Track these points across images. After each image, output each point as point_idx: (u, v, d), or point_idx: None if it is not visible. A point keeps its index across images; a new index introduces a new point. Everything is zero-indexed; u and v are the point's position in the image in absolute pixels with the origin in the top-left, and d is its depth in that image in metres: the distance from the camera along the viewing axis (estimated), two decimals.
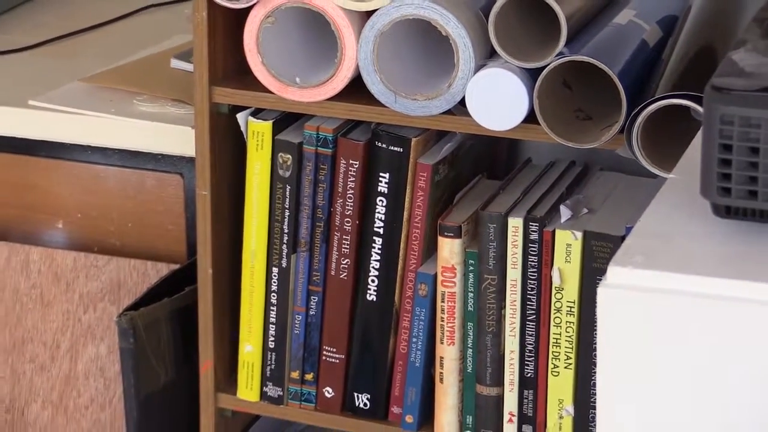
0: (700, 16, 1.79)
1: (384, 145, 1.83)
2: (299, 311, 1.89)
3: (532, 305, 1.80)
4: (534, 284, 1.79)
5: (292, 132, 1.87)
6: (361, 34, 1.76)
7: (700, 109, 1.56)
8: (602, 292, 1.26)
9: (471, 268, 1.82)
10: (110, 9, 2.42)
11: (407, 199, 1.84)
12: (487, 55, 1.75)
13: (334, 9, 1.75)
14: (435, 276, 1.83)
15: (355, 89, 1.79)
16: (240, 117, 1.88)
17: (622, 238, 1.38)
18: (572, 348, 1.79)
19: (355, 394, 1.90)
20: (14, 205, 2.12)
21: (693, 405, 1.26)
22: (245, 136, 1.87)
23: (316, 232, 1.87)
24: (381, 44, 1.75)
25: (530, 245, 1.79)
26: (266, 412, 1.96)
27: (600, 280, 1.26)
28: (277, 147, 1.86)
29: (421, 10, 1.73)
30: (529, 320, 1.80)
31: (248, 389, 1.94)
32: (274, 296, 1.90)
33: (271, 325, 1.91)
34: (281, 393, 1.93)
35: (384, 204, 1.85)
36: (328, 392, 1.91)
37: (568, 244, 1.77)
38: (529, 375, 1.82)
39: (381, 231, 1.85)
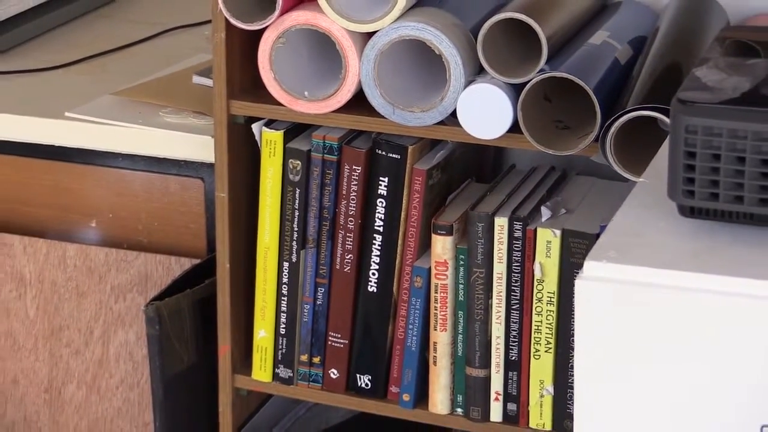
0: (667, 37, 1.79)
1: (383, 153, 1.83)
2: (307, 301, 1.89)
3: (516, 296, 1.80)
4: (518, 277, 1.79)
5: (301, 140, 1.87)
6: (363, 53, 1.76)
7: (667, 120, 1.56)
8: (579, 284, 1.26)
9: (461, 262, 1.82)
10: (138, 31, 2.42)
11: (404, 201, 1.84)
12: (475, 72, 1.75)
13: (339, 30, 1.75)
14: (429, 269, 1.83)
15: (358, 102, 1.79)
16: (255, 127, 1.88)
17: (597, 236, 1.38)
18: (552, 334, 1.79)
19: (358, 375, 1.90)
20: (52, 206, 2.12)
21: (659, 385, 1.26)
22: (259, 145, 1.87)
23: (322, 230, 1.87)
24: (381, 62, 1.75)
25: (514, 242, 1.79)
26: (278, 392, 1.96)
27: (577, 273, 1.26)
28: (287, 154, 1.86)
29: (416, 31, 1.73)
30: (514, 309, 1.80)
31: (262, 371, 1.94)
32: (285, 288, 1.90)
33: (282, 314, 1.91)
34: (291, 374, 1.92)
35: (383, 205, 1.85)
36: (334, 373, 1.91)
37: (548, 241, 1.77)
38: (513, 358, 1.82)
39: (381, 229, 1.85)
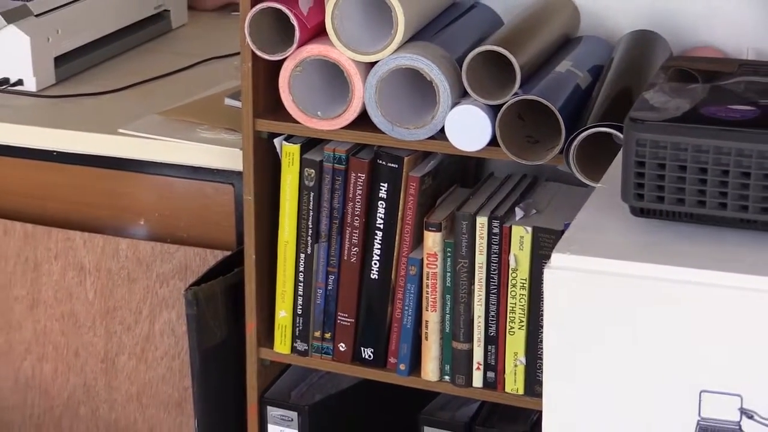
0: (620, 66, 1.78)
1: (384, 163, 1.83)
2: (320, 286, 1.89)
3: (494, 282, 1.79)
4: (496, 266, 1.79)
5: (315, 152, 1.86)
6: (367, 79, 1.76)
7: (620, 135, 1.56)
8: (547, 273, 1.25)
9: (449, 254, 1.81)
10: (179, 61, 2.42)
11: (401, 203, 1.84)
12: (460, 95, 1.74)
13: (347, 60, 1.75)
14: (422, 260, 1.83)
15: (362, 120, 1.79)
16: (276, 141, 1.87)
17: (562, 232, 1.38)
18: (524, 314, 1.78)
19: (362, 348, 1.90)
20: (107, 207, 2.12)
21: (613, 355, 1.25)
22: (280, 156, 1.87)
23: (332, 227, 1.86)
24: (381, 87, 1.75)
25: (493, 237, 1.78)
26: (295, 362, 1.95)
27: (545, 263, 1.26)
28: (303, 164, 1.85)
29: (411, 61, 1.73)
30: (492, 293, 1.80)
31: (282, 345, 1.93)
32: (301, 275, 1.90)
33: (299, 297, 1.90)
34: (307, 347, 1.92)
35: (383, 206, 1.84)
36: (342, 347, 1.90)
37: (521, 237, 1.77)
38: (492, 334, 1.81)
39: (381, 226, 1.85)
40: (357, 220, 1.85)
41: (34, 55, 2.26)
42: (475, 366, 1.83)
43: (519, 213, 1.80)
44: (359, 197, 1.84)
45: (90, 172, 2.12)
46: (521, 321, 1.79)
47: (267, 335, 1.94)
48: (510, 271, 1.78)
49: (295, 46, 1.76)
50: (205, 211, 2.06)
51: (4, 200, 2.17)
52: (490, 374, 1.83)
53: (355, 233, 1.86)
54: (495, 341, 1.81)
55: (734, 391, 1.23)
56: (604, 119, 1.64)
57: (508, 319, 1.79)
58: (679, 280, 1.23)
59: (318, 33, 1.78)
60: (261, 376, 1.96)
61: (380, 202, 1.84)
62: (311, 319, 1.91)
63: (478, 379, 1.84)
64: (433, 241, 1.81)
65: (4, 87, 2.26)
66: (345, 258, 1.87)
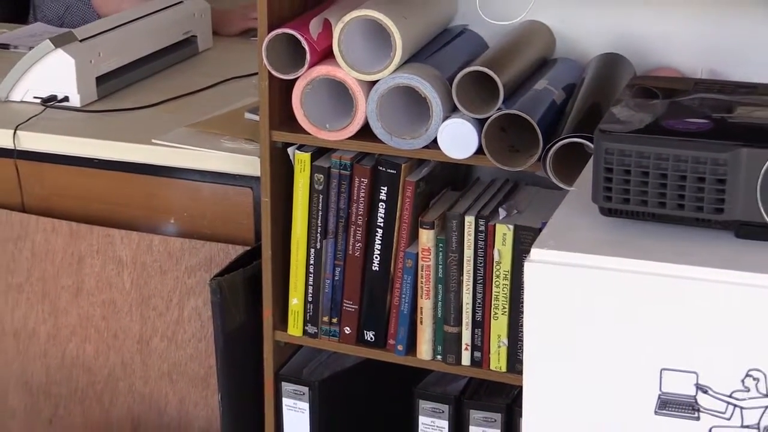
0: (590, 84, 1.78)
1: (384, 169, 1.82)
2: (328, 277, 1.88)
3: (480, 273, 1.79)
4: (482, 260, 1.78)
5: (323, 160, 1.86)
6: (369, 96, 1.75)
7: (591, 144, 1.56)
8: (527, 266, 1.25)
9: (440, 249, 1.81)
10: (205, 80, 2.42)
11: (399, 204, 1.83)
12: (451, 109, 1.74)
13: (351, 79, 1.75)
14: (417, 254, 1.82)
15: (365, 132, 1.78)
16: (289, 150, 1.87)
17: (540, 230, 1.38)
18: (507, 301, 1.78)
19: (365, 331, 1.89)
20: (141, 207, 2.12)
21: (586, 337, 1.25)
22: (293, 163, 1.86)
23: (339, 225, 1.86)
24: (381, 102, 1.75)
25: (479, 234, 1.78)
26: (306, 343, 1.95)
27: (525, 257, 1.26)
28: (313, 170, 1.85)
29: (408, 80, 1.72)
30: (479, 283, 1.79)
31: (295, 328, 1.93)
32: (311, 267, 1.89)
33: (309, 286, 1.90)
34: (316, 331, 1.91)
35: (384, 207, 1.84)
36: (347, 330, 1.90)
37: (504, 234, 1.76)
38: (478, 319, 1.81)
39: (382, 224, 1.84)
40: (360, 219, 1.85)
41: (78, 75, 2.26)
42: (463, 347, 1.83)
43: (502, 213, 1.79)
44: (362, 199, 1.84)
45: (127, 177, 2.12)
46: (504, 308, 1.78)
47: (281, 320, 1.94)
48: (494, 264, 1.77)
49: (306, 67, 1.76)
50: (227, 211, 2.06)
51: (52, 203, 2.17)
52: (477, 354, 1.83)
53: (359, 231, 1.85)
54: (481, 325, 1.81)
55: (690, 369, 1.23)
56: (577, 131, 1.64)
57: (492, 306, 1.79)
58: (642, 272, 1.23)
59: (326, 55, 1.78)
60: (276, 355, 1.96)
61: (380, 203, 1.84)
62: (320, 306, 1.90)
63: (466, 358, 1.83)
64: (427, 237, 1.81)
65: (52, 103, 2.26)
66: (350, 252, 1.86)
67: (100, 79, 2.33)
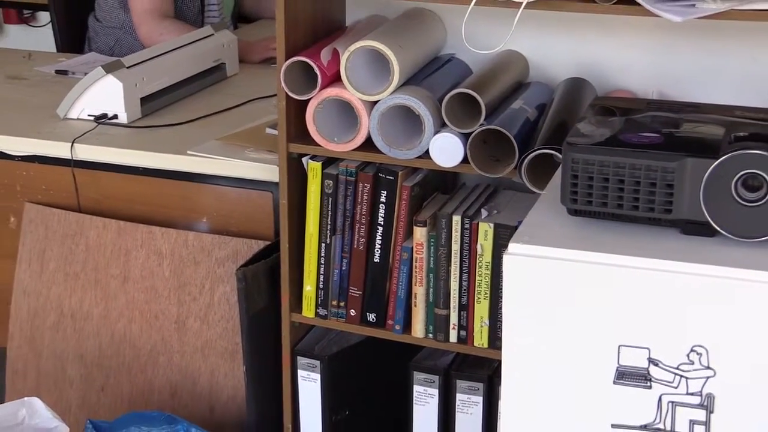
0: (559, 104, 1.78)
1: (384, 175, 1.82)
2: (336, 267, 1.87)
3: (465, 264, 1.78)
4: (467, 253, 1.78)
5: (332, 168, 1.85)
6: (371, 113, 1.75)
7: (559, 155, 1.55)
8: (505, 258, 1.25)
9: (432, 243, 1.80)
10: (233, 100, 2.41)
11: (396, 205, 1.82)
12: (441, 125, 1.73)
13: (356, 100, 1.74)
14: (412, 248, 1.81)
15: (367, 144, 1.78)
16: (304, 160, 1.86)
17: (516, 227, 1.38)
18: (488, 288, 1.77)
19: (367, 314, 1.88)
20: (178, 208, 2.11)
21: (555, 319, 1.25)
22: (306, 171, 1.86)
23: (345, 223, 1.85)
24: (382, 119, 1.74)
25: (465, 231, 1.77)
26: (318, 324, 1.94)
27: (504, 250, 1.26)
28: (324, 177, 1.84)
29: (404, 100, 1.72)
30: (464, 272, 1.78)
31: (308, 311, 1.92)
32: (322, 259, 1.88)
33: (321, 275, 1.89)
34: (326, 313, 1.91)
35: (383, 208, 1.83)
36: (352, 312, 1.89)
37: (485, 231, 1.75)
38: (464, 302, 1.80)
39: (382, 223, 1.83)
40: (363, 218, 1.84)
41: (125, 96, 2.25)
42: (451, 326, 1.82)
43: (484, 213, 1.79)
44: (365, 201, 1.83)
45: (166, 183, 2.11)
46: (486, 293, 1.77)
47: (297, 304, 1.93)
48: (477, 256, 1.77)
49: (317, 89, 1.75)
50: (250, 212, 2.05)
51: (103, 205, 2.17)
52: (463, 332, 1.82)
53: (362, 228, 1.84)
54: (466, 308, 1.80)
55: (644, 345, 1.23)
56: (548, 143, 1.63)
57: (476, 292, 1.78)
58: (603, 263, 1.23)
59: (335, 79, 1.77)
60: (292, 334, 1.95)
61: (381, 204, 1.83)
62: (329, 292, 1.89)
63: (453, 336, 1.82)
64: (420, 234, 1.80)
65: (103, 120, 2.25)
66: (355, 246, 1.86)
67: (144, 100, 2.32)
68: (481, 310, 1.79)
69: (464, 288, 1.79)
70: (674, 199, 1.24)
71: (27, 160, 2.19)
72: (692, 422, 1.23)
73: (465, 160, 1.72)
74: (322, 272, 1.89)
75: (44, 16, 4.07)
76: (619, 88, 1.85)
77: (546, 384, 1.27)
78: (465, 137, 1.71)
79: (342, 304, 1.89)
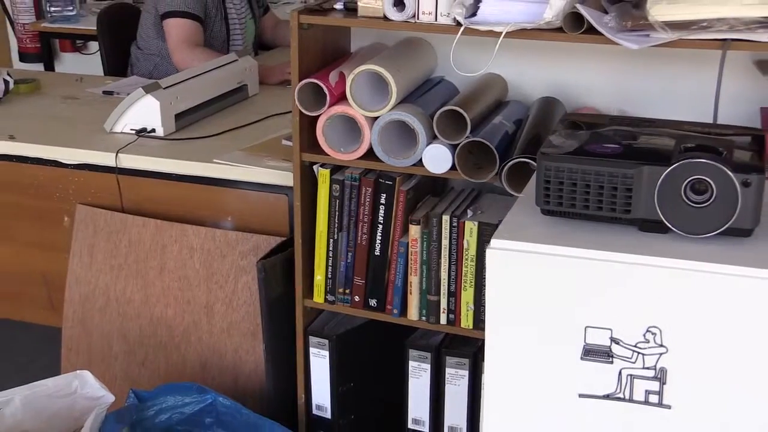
0: (533, 119, 1.78)
1: (383, 181, 1.81)
2: (342, 260, 1.87)
3: (453, 257, 1.78)
4: (455, 247, 1.77)
5: (339, 175, 1.84)
6: (372, 127, 1.74)
7: (534, 163, 1.55)
8: (488, 252, 1.25)
9: (425, 239, 1.79)
10: (253, 116, 2.41)
11: (394, 207, 1.82)
12: (432, 137, 1.73)
13: (360, 115, 1.74)
14: (408, 243, 1.81)
15: (369, 153, 1.77)
16: (314, 167, 1.86)
17: (497, 225, 1.37)
18: (473, 278, 1.77)
19: (369, 299, 1.88)
20: (207, 209, 2.11)
21: (532, 306, 1.24)
22: (317, 177, 1.85)
23: (350, 222, 1.85)
24: (382, 132, 1.74)
25: (453, 228, 1.76)
26: (327, 308, 1.93)
27: (487, 245, 1.25)
28: (332, 182, 1.84)
29: (401, 116, 1.71)
30: (453, 264, 1.78)
31: (318, 297, 1.91)
32: (330, 252, 1.88)
33: (329, 267, 1.89)
34: (334, 299, 1.90)
35: (383, 209, 1.82)
36: (356, 298, 1.88)
37: (471, 228, 1.75)
38: (452, 290, 1.80)
39: (382, 221, 1.83)
40: (366, 217, 1.84)
41: (162, 113, 2.25)
42: (441, 310, 1.82)
43: (470, 213, 1.78)
44: (367, 203, 1.83)
45: (196, 187, 2.10)
46: (471, 282, 1.77)
47: (308, 291, 1.93)
48: (464, 251, 1.76)
49: (326, 106, 1.75)
50: (269, 212, 2.04)
51: (142, 206, 2.16)
52: (451, 316, 1.81)
53: (365, 226, 1.84)
54: (454, 295, 1.80)
55: (606, 326, 1.23)
56: (524, 153, 1.63)
57: (462, 281, 1.78)
58: (572, 256, 1.22)
59: (341, 98, 1.77)
60: (305, 316, 1.95)
61: (381, 206, 1.83)
62: (337, 281, 1.89)
63: (443, 319, 1.82)
64: (415, 231, 1.80)
65: (143, 133, 2.25)
66: (358, 242, 1.85)
67: (178, 116, 2.31)
68: (467, 296, 1.78)
69: (452, 277, 1.79)
70: (633, 201, 1.24)
71: (78, 168, 2.19)
72: (647, 392, 1.23)
73: (453, 168, 1.71)
74: (330, 264, 1.89)
75: (94, 45, 4.08)
76: (586, 106, 1.85)
77: (523, 360, 1.27)
78: (453, 148, 1.71)
79: (347, 291, 1.89)
